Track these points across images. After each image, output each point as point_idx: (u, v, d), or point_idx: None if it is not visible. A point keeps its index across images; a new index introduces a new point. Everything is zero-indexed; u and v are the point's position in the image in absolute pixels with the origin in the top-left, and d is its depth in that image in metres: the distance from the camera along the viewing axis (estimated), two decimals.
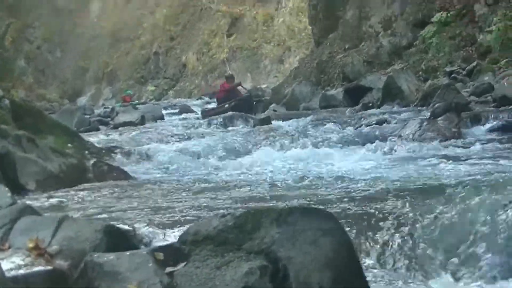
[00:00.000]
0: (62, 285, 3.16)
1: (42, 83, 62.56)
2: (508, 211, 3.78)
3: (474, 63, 18.28)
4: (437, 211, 4.11)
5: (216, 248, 2.93)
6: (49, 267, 3.23)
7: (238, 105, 21.17)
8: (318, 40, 29.58)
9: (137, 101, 36.70)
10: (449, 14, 21.18)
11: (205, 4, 57.62)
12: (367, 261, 3.75)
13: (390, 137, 10.96)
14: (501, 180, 5.46)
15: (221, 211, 3.95)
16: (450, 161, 7.98)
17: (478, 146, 9.65)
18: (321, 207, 4.36)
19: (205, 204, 5.84)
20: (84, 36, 65.12)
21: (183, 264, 2.89)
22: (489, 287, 3.44)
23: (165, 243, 3.65)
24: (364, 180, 6.93)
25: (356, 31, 25.63)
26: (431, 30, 21.31)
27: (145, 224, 4.56)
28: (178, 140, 12.91)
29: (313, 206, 3.74)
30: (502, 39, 17.81)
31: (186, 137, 13.60)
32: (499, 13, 18.59)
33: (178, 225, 4.47)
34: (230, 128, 15.99)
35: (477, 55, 19.08)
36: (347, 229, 3.46)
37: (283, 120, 15.68)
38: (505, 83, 14.27)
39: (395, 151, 9.45)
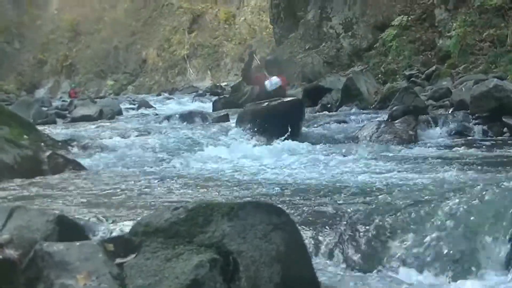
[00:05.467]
0: (11, 275, 3.13)
1: None
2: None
3: (433, 68, 18.56)
4: (384, 210, 4.19)
5: (167, 240, 2.93)
6: None
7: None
8: (279, 39, 29.77)
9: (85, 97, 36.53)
10: (409, 18, 21.45)
11: (166, 0, 57.56)
12: (318, 257, 3.79)
13: (348, 138, 11.04)
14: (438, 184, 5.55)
15: (174, 204, 3.95)
16: (403, 162, 8.08)
17: (432, 150, 9.78)
18: (272, 202, 4.39)
19: (158, 198, 5.86)
20: (43, 28, 64.63)
21: (133, 255, 2.88)
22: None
23: (116, 234, 3.65)
24: (316, 178, 7.01)
25: (316, 31, 25.78)
26: (392, 33, 21.54)
27: (98, 216, 4.53)
28: (135, 134, 12.83)
29: (265, 201, 3.76)
30: (461, 44, 18.07)
31: (143, 132, 13.53)
32: (459, 18, 18.87)
33: (131, 217, 4.47)
34: (188, 124, 15.93)
35: (436, 60, 19.34)
36: (298, 224, 3.49)
37: None
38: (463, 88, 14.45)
39: (351, 152, 9.49)
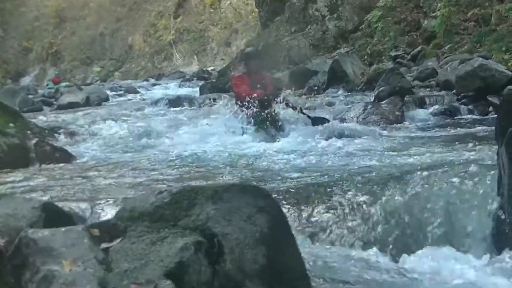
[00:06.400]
0: None
1: None
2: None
3: (419, 48, 18.63)
4: (364, 193, 4.25)
5: (152, 224, 2.94)
6: None
7: None
8: (264, 23, 29.69)
9: (66, 83, 36.19)
10: None
11: None
12: (303, 238, 3.82)
13: (335, 120, 11.02)
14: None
15: (160, 187, 3.98)
16: (390, 143, 8.13)
17: (418, 130, 9.84)
18: (257, 184, 4.41)
19: (144, 182, 5.90)
20: (28, 16, 64.21)
21: (118, 240, 2.89)
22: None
23: (102, 219, 3.65)
24: (302, 161, 7.07)
25: (302, 14, 25.74)
26: (377, 14, 21.56)
27: (84, 202, 4.54)
28: (123, 120, 12.84)
29: (249, 183, 3.78)
30: (446, 24, 18.10)
31: (130, 117, 13.55)
32: None
33: (117, 202, 4.49)
34: (176, 109, 15.98)
35: (421, 40, 19.39)
36: (283, 206, 3.52)
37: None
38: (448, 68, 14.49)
39: (337, 133, 9.50)
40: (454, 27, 17.87)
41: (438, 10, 18.75)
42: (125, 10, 58.85)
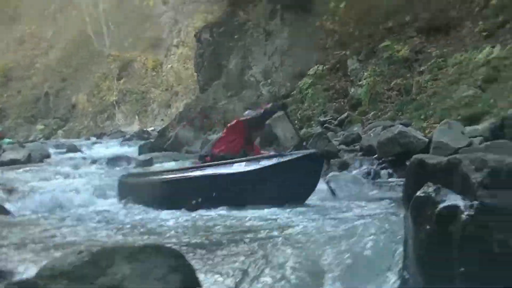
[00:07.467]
0: None
1: None
2: None
3: (345, 114, 19.23)
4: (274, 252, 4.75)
5: (71, 283, 3.07)
6: None
7: None
8: (203, 86, 30.26)
9: (9, 140, 36.03)
10: (324, 68, 22.09)
11: (97, 47, 57.80)
12: None
13: None
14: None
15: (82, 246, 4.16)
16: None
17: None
18: (171, 246, 4.62)
19: (71, 240, 6.27)
20: None
21: None
22: None
23: (23, 278, 3.69)
24: (216, 222, 7.36)
25: (238, 79, 26.38)
26: (307, 82, 22.20)
27: (8, 259, 4.91)
28: (61, 178, 13.11)
29: (164, 245, 3.92)
30: (371, 93, 18.80)
31: (69, 175, 13.82)
32: (369, 68, 19.65)
33: (41, 261, 4.50)
34: (113, 168, 16.46)
35: (348, 107, 19.93)
36: (195, 266, 3.71)
37: (162, 162, 16.18)
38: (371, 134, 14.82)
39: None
40: (378, 96, 18.53)
41: (364, 79, 19.46)
42: (71, 70, 59.03)
